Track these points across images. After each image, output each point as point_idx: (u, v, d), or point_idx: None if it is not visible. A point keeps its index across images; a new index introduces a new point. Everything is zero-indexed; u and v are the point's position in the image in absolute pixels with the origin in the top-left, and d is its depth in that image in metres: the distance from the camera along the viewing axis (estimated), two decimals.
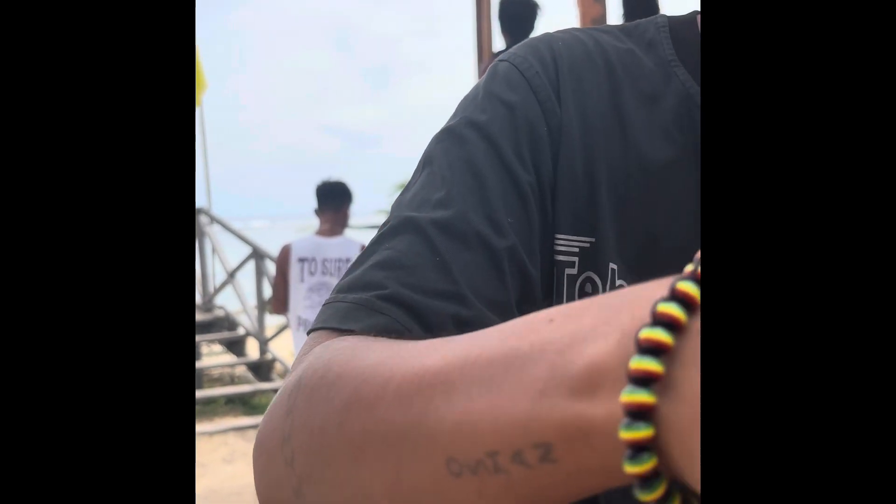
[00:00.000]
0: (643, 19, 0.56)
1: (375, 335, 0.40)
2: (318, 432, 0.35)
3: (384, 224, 0.47)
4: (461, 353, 0.31)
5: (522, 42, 0.53)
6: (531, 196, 0.47)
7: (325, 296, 2.98)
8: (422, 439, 0.30)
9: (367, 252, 0.45)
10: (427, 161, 0.49)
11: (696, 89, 0.50)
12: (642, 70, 0.51)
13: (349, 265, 0.48)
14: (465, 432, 0.29)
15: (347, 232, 3.25)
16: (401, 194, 0.49)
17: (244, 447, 4.69)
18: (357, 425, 0.33)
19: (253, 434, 4.96)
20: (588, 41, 0.52)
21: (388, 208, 0.52)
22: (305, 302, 3.01)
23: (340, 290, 0.44)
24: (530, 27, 3.36)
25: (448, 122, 0.50)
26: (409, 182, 0.49)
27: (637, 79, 0.51)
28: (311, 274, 3.01)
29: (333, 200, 3.11)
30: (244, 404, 5.61)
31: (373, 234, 0.48)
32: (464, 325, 0.41)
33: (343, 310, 0.42)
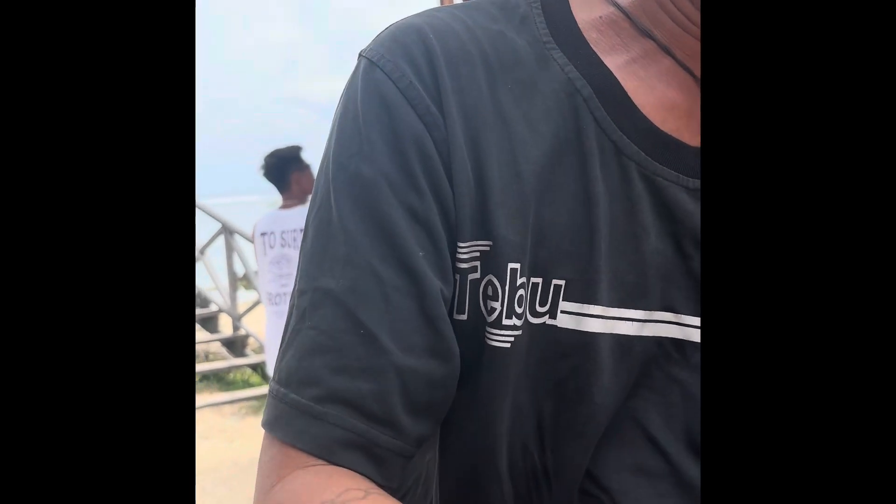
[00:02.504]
0: None
1: (318, 451, 0.44)
2: None
3: (301, 292, 0.47)
4: None
5: (390, 32, 0.49)
6: (434, 220, 0.46)
7: (286, 269, 2.97)
8: None
9: (294, 329, 0.46)
10: (324, 202, 0.47)
11: (575, 73, 0.48)
12: (517, 55, 0.48)
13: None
14: None
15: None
16: (304, 239, 0.49)
17: (220, 423, 4.69)
18: None
19: (229, 410, 4.97)
20: (460, 30, 0.48)
21: None
22: (269, 276, 3.01)
23: (279, 380, 0.46)
24: None
25: (335, 149, 0.48)
26: (310, 212, 0.49)
27: (512, 66, 0.48)
28: (272, 247, 3.00)
29: (282, 173, 3.06)
30: (219, 381, 5.61)
31: None
32: (406, 392, 0.44)
33: (286, 416, 0.45)
